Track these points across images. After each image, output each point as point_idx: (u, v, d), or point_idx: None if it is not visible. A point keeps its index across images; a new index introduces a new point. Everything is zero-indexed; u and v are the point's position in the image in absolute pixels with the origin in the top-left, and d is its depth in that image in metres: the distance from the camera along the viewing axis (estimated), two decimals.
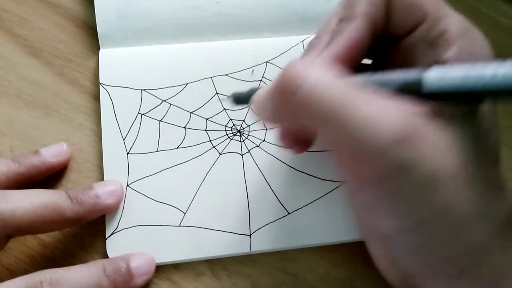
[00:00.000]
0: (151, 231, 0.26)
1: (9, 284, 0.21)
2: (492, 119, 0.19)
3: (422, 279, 0.19)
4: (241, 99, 0.24)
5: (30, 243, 0.26)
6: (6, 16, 0.31)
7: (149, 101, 0.29)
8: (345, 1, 0.21)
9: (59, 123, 0.29)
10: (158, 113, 0.28)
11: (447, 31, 0.19)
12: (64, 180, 0.27)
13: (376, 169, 0.17)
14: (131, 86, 0.29)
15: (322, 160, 0.28)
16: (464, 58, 0.19)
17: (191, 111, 0.29)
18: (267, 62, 0.30)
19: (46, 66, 0.30)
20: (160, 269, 0.26)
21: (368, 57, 0.23)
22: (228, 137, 0.28)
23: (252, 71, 0.30)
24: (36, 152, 0.26)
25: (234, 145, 0.28)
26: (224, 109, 0.29)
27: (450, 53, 0.19)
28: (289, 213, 0.27)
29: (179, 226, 0.26)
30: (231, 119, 0.29)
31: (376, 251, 0.20)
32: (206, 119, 0.29)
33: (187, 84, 0.29)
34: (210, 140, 0.28)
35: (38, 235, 0.26)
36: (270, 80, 0.30)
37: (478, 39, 0.20)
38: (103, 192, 0.25)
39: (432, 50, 0.19)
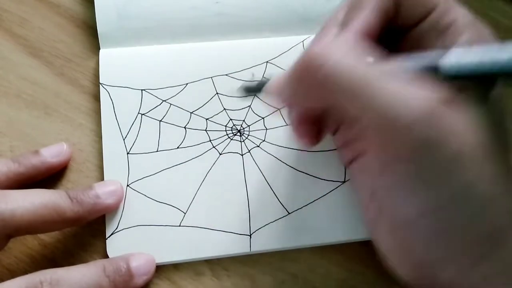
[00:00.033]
0: (151, 231, 0.26)
1: (9, 284, 0.21)
2: (501, 106, 0.19)
3: (439, 267, 0.18)
4: (252, 88, 0.24)
5: (30, 243, 0.26)
6: (6, 16, 0.31)
7: (149, 101, 0.29)
8: None
9: (59, 123, 0.29)
10: (158, 113, 0.28)
11: (456, 21, 0.20)
12: (64, 180, 0.27)
13: (402, 144, 0.17)
14: (131, 86, 0.29)
15: (322, 160, 0.28)
16: (474, 45, 0.19)
17: (191, 111, 0.29)
18: (267, 62, 0.30)
19: (46, 66, 0.30)
20: (160, 269, 0.26)
21: None
22: (228, 137, 0.28)
23: (253, 74, 0.30)
24: (36, 152, 0.26)
25: (234, 145, 0.28)
26: (224, 109, 0.29)
27: (461, 40, 0.19)
28: (289, 213, 0.27)
29: (179, 226, 0.26)
30: (231, 119, 0.29)
31: (387, 244, 0.20)
32: (206, 119, 0.29)
33: (187, 84, 0.29)
34: (210, 140, 0.28)
35: (38, 235, 0.26)
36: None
37: (484, 30, 0.20)
38: (103, 192, 0.25)
39: (443, 38, 0.20)
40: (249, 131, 0.29)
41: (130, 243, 0.26)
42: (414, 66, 0.18)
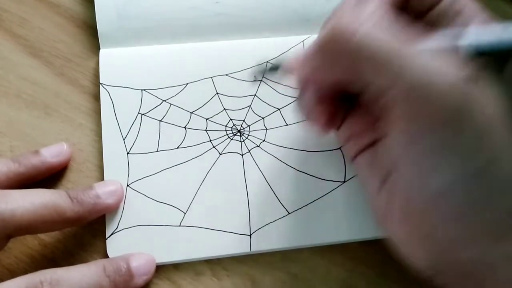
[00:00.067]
0: (151, 231, 0.26)
1: (9, 284, 0.21)
2: None
3: (459, 248, 0.18)
4: (267, 69, 0.25)
5: (30, 243, 0.26)
6: (6, 16, 0.31)
7: (149, 101, 0.29)
8: None
9: (59, 123, 0.29)
10: (158, 113, 0.28)
11: (466, 6, 0.20)
12: (64, 180, 0.27)
13: (436, 112, 0.17)
14: (131, 86, 0.29)
15: (322, 160, 0.28)
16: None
17: (191, 111, 0.29)
18: (267, 62, 0.30)
19: (46, 66, 0.30)
20: (160, 269, 0.26)
21: None
22: (228, 137, 0.28)
23: (254, 76, 0.30)
24: (36, 152, 0.26)
25: (234, 145, 0.28)
26: (224, 109, 0.29)
27: (475, 21, 0.19)
28: (289, 213, 0.27)
29: (179, 226, 0.26)
30: (231, 119, 0.29)
31: (400, 233, 0.20)
32: (206, 119, 0.29)
33: (187, 84, 0.29)
34: (210, 140, 0.28)
35: (38, 235, 0.26)
36: (270, 80, 0.30)
37: (489, 18, 0.20)
38: (103, 192, 0.25)
39: (456, 22, 0.20)
40: (249, 131, 0.29)
41: (130, 243, 0.26)
42: (437, 44, 0.19)
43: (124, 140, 0.28)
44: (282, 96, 0.29)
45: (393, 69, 0.18)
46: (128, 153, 0.27)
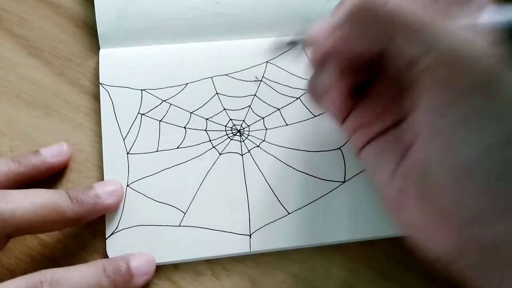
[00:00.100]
0: (151, 231, 0.26)
1: (9, 284, 0.21)
2: None
3: (487, 223, 0.17)
4: (286, 43, 0.24)
5: (30, 243, 0.26)
6: (6, 16, 0.31)
7: (149, 101, 0.29)
8: None
9: (59, 123, 0.29)
10: (158, 113, 0.28)
11: None
12: (64, 180, 0.27)
13: (470, 77, 0.17)
14: (131, 86, 0.29)
15: (322, 160, 0.28)
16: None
17: (191, 111, 0.29)
18: (267, 62, 0.30)
19: (46, 66, 0.30)
20: (160, 269, 0.26)
21: None
22: (228, 137, 0.28)
23: (256, 77, 0.30)
24: (36, 152, 0.26)
25: (234, 145, 0.28)
26: (224, 109, 0.29)
27: (488, 5, 0.20)
28: (289, 213, 0.27)
29: (179, 226, 0.26)
30: (231, 119, 0.29)
31: (417, 219, 0.20)
32: (206, 119, 0.29)
33: (187, 84, 0.29)
34: (210, 140, 0.28)
35: (38, 235, 0.26)
36: (270, 80, 0.30)
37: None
38: (103, 192, 0.25)
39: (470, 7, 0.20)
40: (249, 131, 0.29)
41: (130, 243, 0.26)
42: (467, 19, 0.19)
43: (124, 140, 0.28)
44: (282, 96, 0.29)
45: (427, 37, 0.18)
46: (128, 153, 0.27)
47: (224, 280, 0.26)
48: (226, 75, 0.30)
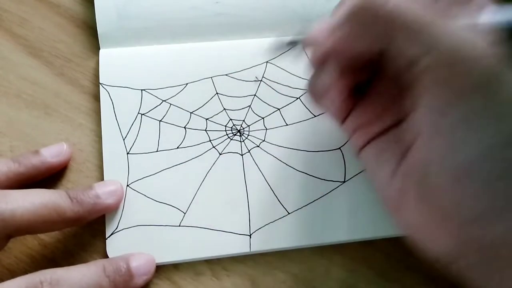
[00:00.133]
0: (151, 231, 0.26)
1: (9, 284, 0.21)
2: None
3: (487, 223, 0.17)
4: (286, 43, 0.24)
5: (30, 243, 0.26)
6: (6, 16, 0.31)
7: (149, 101, 0.29)
8: None
9: (59, 123, 0.29)
10: (158, 113, 0.28)
11: None
12: (64, 180, 0.27)
13: (470, 77, 0.17)
14: (131, 86, 0.29)
15: (322, 160, 0.28)
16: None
17: (191, 111, 0.29)
18: (267, 62, 0.30)
19: (46, 66, 0.30)
20: (160, 269, 0.26)
21: None
22: (228, 137, 0.28)
23: (256, 77, 0.30)
24: (36, 152, 0.26)
25: (234, 145, 0.28)
26: (224, 109, 0.29)
27: (487, 6, 0.20)
28: (289, 213, 0.27)
29: (179, 226, 0.26)
30: (231, 119, 0.29)
31: (417, 218, 0.20)
32: (206, 119, 0.29)
33: (187, 84, 0.29)
34: (210, 140, 0.28)
35: (38, 235, 0.26)
36: (270, 80, 0.30)
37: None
38: (103, 192, 0.25)
39: (470, 7, 0.20)
40: (249, 131, 0.29)
41: (130, 243, 0.26)
42: (467, 20, 0.19)
43: (124, 140, 0.28)
44: (282, 96, 0.29)
45: (427, 37, 0.18)
46: (128, 153, 0.27)
47: (224, 280, 0.26)
48: (226, 75, 0.30)
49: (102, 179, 0.27)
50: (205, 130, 0.28)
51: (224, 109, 0.29)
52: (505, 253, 0.17)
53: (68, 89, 0.29)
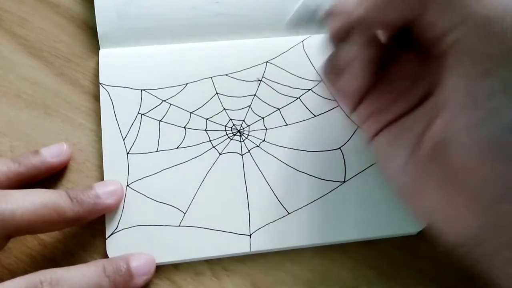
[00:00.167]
0: (151, 231, 0.26)
1: (9, 284, 0.21)
2: None
3: None
4: (306, 17, 0.23)
5: (30, 243, 0.26)
6: (6, 16, 0.31)
7: (149, 101, 0.29)
8: None
9: (59, 123, 0.29)
10: (158, 113, 0.28)
11: None
12: (64, 180, 0.27)
13: (506, 46, 0.17)
14: (131, 86, 0.29)
15: (322, 160, 0.28)
16: None
17: (191, 111, 0.29)
18: (267, 62, 0.30)
19: (46, 66, 0.30)
20: (160, 269, 0.26)
21: None
22: (228, 137, 0.28)
23: (257, 78, 0.30)
24: (36, 152, 0.26)
25: (234, 145, 0.28)
26: (224, 109, 0.29)
27: None
28: (289, 213, 0.27)
29: (179, 226, 0.26)
30: (231, 119, 0.29)
31: (444, 195, 0.19)
32: (206, 119, 0.29)
33: (187, 84, 0.29)
34: (210, 140, 0.28)
35: (38, 235, 0.26)
36: (270, 80, 0.30)
37: None
38: (103, 192, 0.25)
39: None
40: (249, 131, 0.29)
41: (130, 243, 0.26)
42: None
43: (124, 140, 0.28)
44: (282, 96, 0.29)
45: (462, 7, 0.18)
46: (128, 153, 0.27)
47: (224, 280, 0.26)
48: (226, 75, 0.30)
49: (102, 179, 0.27)
50: (205, 130, 0.28)
51: (224, 109, 0.29)
52: None
53: (68, 89, 0.29)
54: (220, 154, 0.28)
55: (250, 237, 0.26)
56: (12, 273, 0.25)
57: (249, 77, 0.30)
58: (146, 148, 0.28)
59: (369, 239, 0.27)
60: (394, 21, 0.20)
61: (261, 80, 0.30)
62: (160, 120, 0.28)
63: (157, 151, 0.28)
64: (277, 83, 0.30)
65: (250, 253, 0.26)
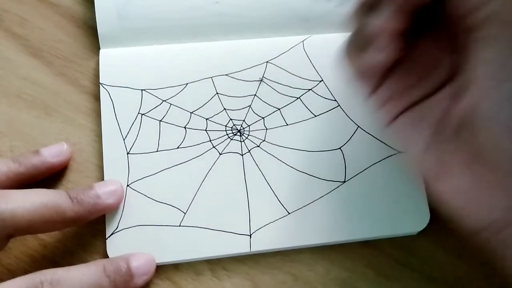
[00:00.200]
0: (151, 231, 0.26)
1: (9, 284, 0.21)
2: None
3: None
4: None
5: (30, 243, 0.26)
6: (6, 16, 0.31)
7: (149, 101, 0.29)
8: None
9: (59, 123, 0.29)
10: (158, 113, 0.28)
11: None
12: (64, 180, 0.27)
13: None
14: (131, 86, 0.29)
15: (322, 160, 0.28)
16: None
17: (191, 111, 0.29)
18: (267, 62, 0.30)
19: (46, 66, 0.30)
20: (160, 269, 0.26)
21: None
22: (228, 137, 0.28)
23: (259, 78, 0.30)
24: (37, 152, 0.26)
25: (234, 145, 0.28)
26: (224, 109, 0.29)
27: None
28: (289, 213, 0.27)
29: (179, 226, 0.26)
30: (231, 119, 0.29)
31: (472, 176, 0.18)
32: (206, 119, 0.29)
33: (187, 84, 0.29)
34: (210, 140, 0.28)
35: (38, 235, 0.26)
36: (270, 80, 0.30)
37: None
38: (103, 192, 0.25)
39: None
40: (249, 131, 0.29)
41: (130, 243, 0.26)
42: None
43: (124, 140, 0.28)
44: (282, 96, 0.29)
45: None
46: (128, 153, 0.27)
47: (224, 280, 0.26)
48: (226, 75, 0.30)
49: (102, 179, 0.27)
50: (205, 130, 0.28)
51: (224, 109, 0.29)
52: None
53: (68, 89, 0.29)
54: (220, 154, 0.28)
55: (250, 237, 0.26)
56: (12, 273, 0.25)
57: (249, 77, 0.30)
58: (146, 148, 0.28)
59: (369, 239, 0.27)
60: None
61: (261, 80, 0.30)
62: (161, 120, 0.28)
63: (157, 151, 0.28)
64: (277, 83, 0.30)
65: (250, 253, 0.26)
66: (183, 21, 0.31)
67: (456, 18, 0.19)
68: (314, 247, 0.27)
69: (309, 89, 0.30)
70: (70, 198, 0.24)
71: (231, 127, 0.29)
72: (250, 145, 0.28)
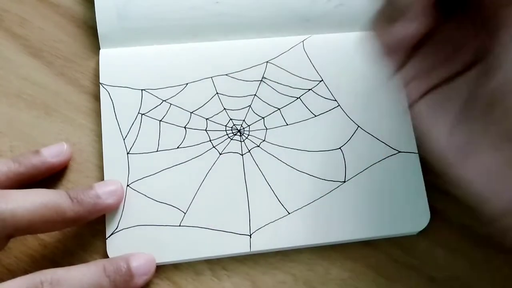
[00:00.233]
0: (151, 231, 0.26)
1: (10, 284, 0.21)
2: None
3: None
4: None
5: (30, 243, 0.26)
6: (6, 16, 0.31)
7: (149, 101, 0.29)
8: None
9: (59, 123, 0.29)
10: (158, 113, 0.28)
11: None
12: (64, 180, 0.27)
13: None
14: (131, 86, 0.29)
15: (322, 160, 0.28)
16: None
17: (191, 111, 0.29)
18: (267, 62, 0.30)
19: (46, 66, 0.30)
20: (160, 269, 0.26)
21: None
22: (228, 137, 0.28)
23: (261, 78, 0.30)
24: (37, 152, 0.26)
25: (234, 145, 0.28)
26: (224, 109, 0.29)
27: None
28: (289, 213, 0.27)
29: (179, 226, 0.26)
30: (231, 119, 0.29)
31: (502, 156, 0.18)
32: (206, 119, 0.29)
33: (187, 84, 0.29)
34: (210, 140, 0.28)
35: (38, 235, 0.26)
36: (270, 80, 0.30)
37: None
38: (103, 192, 0.25)
39: None
40: (249, 131, 0.29)
41: (130, 243, 0.26)
42: None
43: (124, 140, 0.28)
44: (282, 96, 0.29)
45: None
46: (128, 153, 0.27)
47: (224, 280, 0.26)
48: (226, 75, 0.30)
49: (102, 179, 0.27)
50: (205, 130, 0.28)
51: (224, 109, 0.29)
52: None
53: (68, 89, 0.29)
54: (220, 154, 0.28)
55: (250, 237, 0.26)
56: (12, 273, 0.25)
57: (250, 77, 0.30)
58: (146, 148, 0.28)
59: (369, 239, 0.27)
60: None
61: (261, 80, 0.30)
62: (161, 120, 0.28)
63: (157, 151, 0.28)
64: (277, 83, 0.30)
65: (250, 253, 0.26)
66: (183, 21, 0.31)
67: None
68: (314, 247, 0.27)
69: (309, 89, 0.30)
70: (70, 198, 0.24)
71: (231, 127, 0.29)
72: (250, 145, 0.28)
